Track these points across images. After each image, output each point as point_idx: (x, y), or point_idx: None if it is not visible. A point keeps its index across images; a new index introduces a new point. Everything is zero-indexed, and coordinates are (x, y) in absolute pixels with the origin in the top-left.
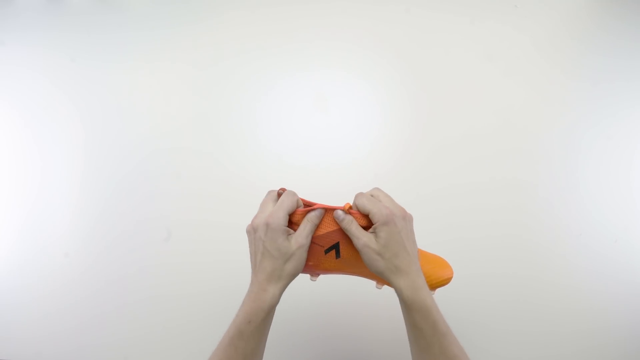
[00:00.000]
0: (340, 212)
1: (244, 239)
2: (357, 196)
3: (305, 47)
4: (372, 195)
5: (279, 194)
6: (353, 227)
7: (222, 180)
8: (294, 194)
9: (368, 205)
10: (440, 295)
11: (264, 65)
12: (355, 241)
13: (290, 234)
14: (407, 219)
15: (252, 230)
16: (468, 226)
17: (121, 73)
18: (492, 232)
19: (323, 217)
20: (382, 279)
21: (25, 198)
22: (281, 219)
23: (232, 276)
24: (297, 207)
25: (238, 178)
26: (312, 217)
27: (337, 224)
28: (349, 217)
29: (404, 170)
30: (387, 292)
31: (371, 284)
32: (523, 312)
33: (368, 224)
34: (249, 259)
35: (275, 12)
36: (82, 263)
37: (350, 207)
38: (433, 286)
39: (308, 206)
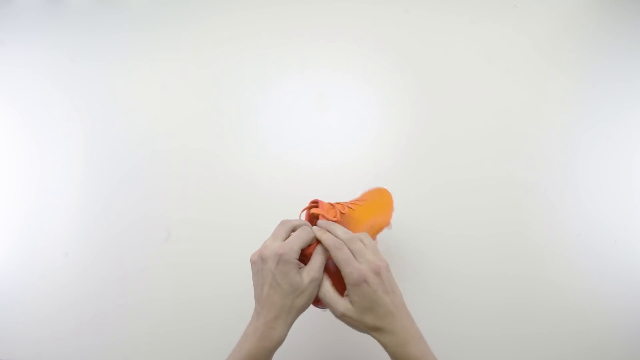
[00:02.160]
0: (319, 248)
1: (243, 240)
2: (335, 249)
3: (305, 47)
4: (351, 241)
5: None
6: (327, 296)
7: (222, 180)
8: (310, 229)
9: (341, 265)
10: (439, 295)
11: (264, 64)
12: (334, 311)
13: (301, 267)
14: (382, 272)
15: (259, 260)
16: (467, 226)
17: (121, 73)
18: (491, 232)
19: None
20: None
21: (25, 198)
22: (295, 252)
23: (232, 276)
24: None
25: (238, 177)
26: (324, 249)
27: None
28: (325, 286)
29: (403, 170)
30: None
31: None
32: (522, 312)
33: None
34: (253, 289)
35: (275, 11)
36: (82, 263)
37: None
38: (374, 235)
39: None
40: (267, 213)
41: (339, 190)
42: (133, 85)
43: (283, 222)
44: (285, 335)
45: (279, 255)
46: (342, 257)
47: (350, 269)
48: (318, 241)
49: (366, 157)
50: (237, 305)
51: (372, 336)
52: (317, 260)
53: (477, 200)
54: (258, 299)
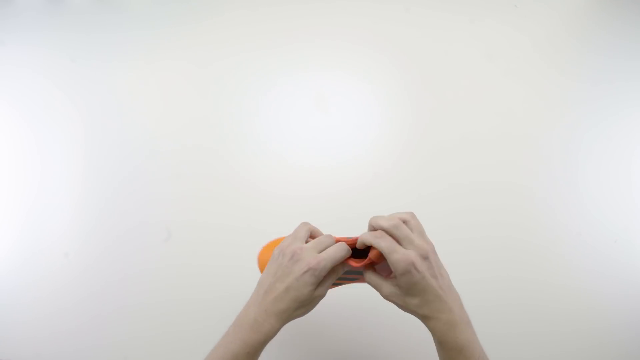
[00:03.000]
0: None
1: (243, 241)
2: (377, 238)
3: (305, 47)
4: (395, 228)
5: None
6: (374, 280)
7: (222, 180)
8: (345, 248)
9: (386, 252)
10: None
11: (264, 64)
12: (380, 293)
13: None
14: (430, 256)
15: (286, 256)
16: (468, 226)
17: (121, 73)
18: (491, 233)
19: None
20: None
21: (25, 198)
22: (326, 270)
23: (232, 278)
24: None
25: (238, 177)
26: (338, 269)
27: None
28: (368, 274)
29: (403, 170)
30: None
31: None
32: (522, 312)
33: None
34: (260, 272)
35: (275, 11)
36: (82, 263)
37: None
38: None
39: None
40: (267, 215)
41: (339, 190)
42: (133, 85)
43: (303, 224)
44: (278, 331)
45: (311, 267)
46: (384, 245)
47: (397, 256)
48: None
49: (366, 157)
50: (237, 306)
51: (418, 318)
52: (329, 279)
53: (476, 201)
54: (263, 284)
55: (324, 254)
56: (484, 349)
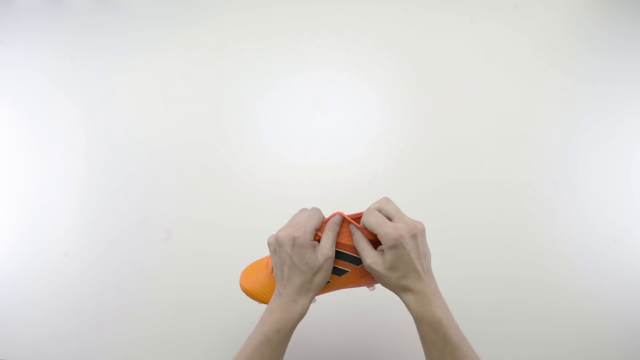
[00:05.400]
0: (352, 227)
1: (243, 240)
2: (365, 214)
3: (305, 47)
4: (379, 210)
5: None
6: (361, 244)
7: (222, 180)
8: (320, 210)
9: (375, 228)
10: None
11: (264, 64)
12: (363, 259)
13: (316, 247)
14: (417, 235)
15: (275, 243)
16: (467, 226)
17: (121, 73)
18: (491, 233)
19: (341, 228)
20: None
21: (25, 198)
22: (308, 233)
23: (232, 277)
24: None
25: (238, 177)
26: (332, 225)
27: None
28: (358, 233)
29: (403, 170)
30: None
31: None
32: (522, 312)
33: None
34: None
35: (275, 11)
36: (82, 263)
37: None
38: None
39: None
40: (267, 214)
41: (339, 190)
42: (133, 85)
43: (303, 210)
44: (307, 307)
45: (293, 239)
46: (373, 220)
47: (386, 229)
48: (326, 219)
49: (366, 157)
50: (236, 306)
51: (396, 294)
52: (327, 237)
53: (476, 201)
54: (279, 278)
55: (301, 219)
56: (483, 348)
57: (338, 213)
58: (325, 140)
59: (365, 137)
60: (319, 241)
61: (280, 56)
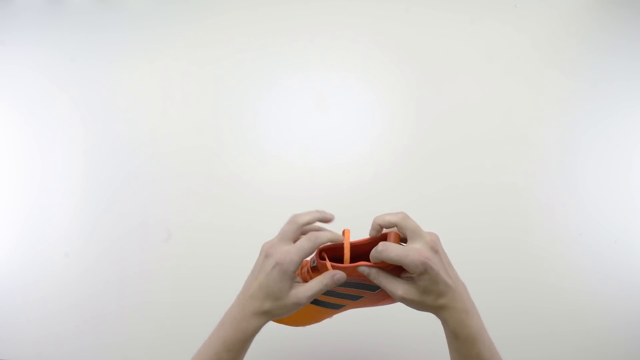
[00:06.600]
0: (364, 268)
1: (243, 242)
2: (381, 251)
3: (305, 47)
4: (397, 225)
5: (303, 231)
6: (382, 280)
7: (222, 180)
8: (316, 236)
9: (400, 261)
10: None
11: (264, 64)
12: (392, 293)
13: (296, 281)
14: (439, 249)
15: (262, 253)
16: (468, 227)
17: (121, 72)
18: (492, 233)
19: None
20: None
21: (26, 198)
22: (295, 263)
23: (232, 278)
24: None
25: (238, 178)
26: (330, 280)
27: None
28: (374, 271)
29: (403, 170)
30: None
31: None
32: (522, 313)
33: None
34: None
35: (275, 11)
36: (83, 263)
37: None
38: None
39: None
40: (267, 215)
41: (340, 190)
42: (133, 84)
43: (292, 220)
44: (259, 329)
45: (277, 262)
46: (394, 254)
47: (411, 258)
48: (319, 252)
49: (366, 157)
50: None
51: (433, 313)
52: (314, 288)
53: (477, 201)
54: (248, 285)
55: (292, 247)
56: None
57: (344, 267)
58: (326, 140)
59: (366, 137)
60: (308, 270)
61: (280, 56)
